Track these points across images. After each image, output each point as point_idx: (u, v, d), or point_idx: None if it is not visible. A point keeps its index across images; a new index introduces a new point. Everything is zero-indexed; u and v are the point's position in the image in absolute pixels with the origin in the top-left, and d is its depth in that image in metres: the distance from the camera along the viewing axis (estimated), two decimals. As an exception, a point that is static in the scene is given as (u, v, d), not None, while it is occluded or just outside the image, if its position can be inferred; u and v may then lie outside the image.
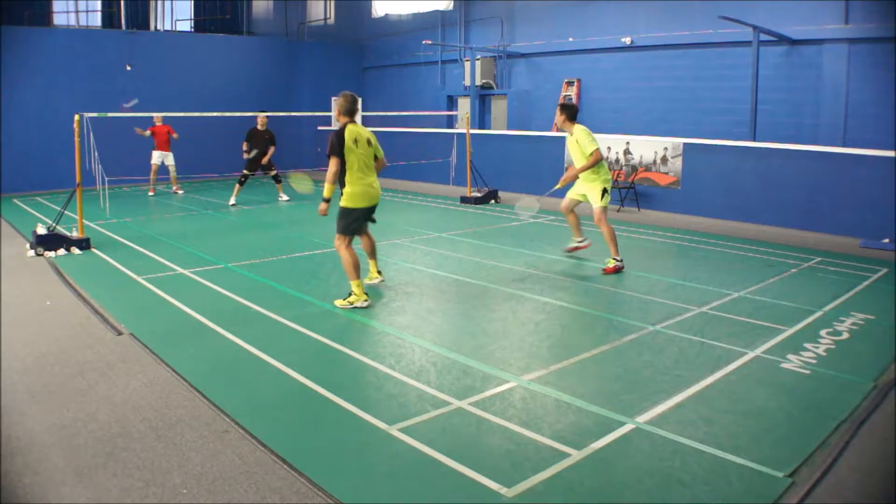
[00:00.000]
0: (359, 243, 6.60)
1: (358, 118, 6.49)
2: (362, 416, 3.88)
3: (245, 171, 12.88)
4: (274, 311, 5.91)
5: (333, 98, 20.37)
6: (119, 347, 5.08)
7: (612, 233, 7.51)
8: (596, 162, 7.44)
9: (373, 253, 6.73)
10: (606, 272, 7.40)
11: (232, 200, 12.88)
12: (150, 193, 14.39)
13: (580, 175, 7.65)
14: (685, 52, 13.60)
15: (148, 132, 13.98)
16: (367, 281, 6.58)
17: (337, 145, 5.87)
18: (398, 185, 16.28)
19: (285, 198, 13.51)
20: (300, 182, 6.34)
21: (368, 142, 6.10)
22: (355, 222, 6.13)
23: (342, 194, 6.10)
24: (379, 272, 6.82)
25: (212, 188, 15.40)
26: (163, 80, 17.24)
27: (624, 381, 4.43)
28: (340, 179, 6.04)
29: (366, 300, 6.07)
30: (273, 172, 13.24)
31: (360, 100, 6.13)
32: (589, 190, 7.70)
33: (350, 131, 5.96)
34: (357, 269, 6.03)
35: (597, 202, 7.60)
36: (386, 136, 17.91)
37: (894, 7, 10.61)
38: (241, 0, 22.88)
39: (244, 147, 12.79)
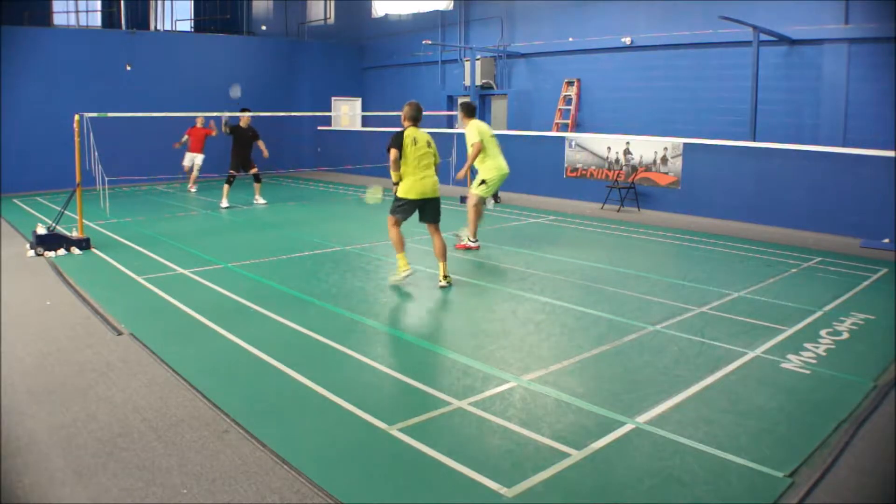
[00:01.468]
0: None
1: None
2: (362, 416, 3.88)
3: (231, 172, 12.70)
4: (274, 311, 5.91)
5: (334, 98, 20.40)
6: (119, 347, 5.07)
7: (475, 216, 8.50)
8: (475, 153, 8.29)
9: (441, 255, 6.91)
10: (458, 247, 8.52)
11: (224, 203, 12.62)
12: (192, 190, 14.81)
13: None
14: (685, 52, 13.60)
15: (185, 137, 14.23)
16: (439, 285, 6.85)
17: (396, 141, 6.65)
18: (398, 185, 16.25)
19: (262, 201, 13.06)
20: (373, 194, 7.09)
21: (428, 143, 6.81)
22: (402, 208, 6.77)
23: (400, 186, 6.79)
24: (446, 276, 6.87)
25: (212, 188, 15.38)
26: (163, 80, 17.24)
27: (624, 381, 4.43)
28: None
29: (408, 270, 6.77)
30: (254, 171, 12.84)
31: (422, 109, 6.98)
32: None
33: (409, 132, 6.72)
34: (400, 245, 6.80)
35: (471, 188, 8.58)
36: (386, 136, 17.92)
37: (894, 7, 10.61)
38: (241, 0, 22.88)
39: (224, 122, 12.68)
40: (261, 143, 12.85)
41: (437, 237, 6.91)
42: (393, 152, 6.58)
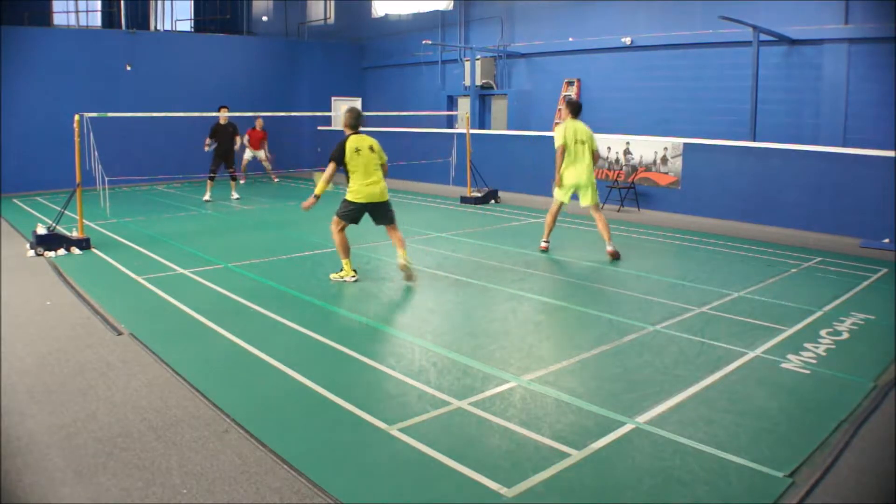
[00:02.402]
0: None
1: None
2: (362, 416, 3.88)
3: (213, 169, 13.35)
4: (274, 311, 5.91)
5: (334, 98, 20.45)
6: (119, 347, 5.08)
7: (549, 218, 8.41)
8: (559, 159, 8.00)
9: (400, 245, 6.94)
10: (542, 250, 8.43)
11: (206, 196, 13.39)
12: (241, 181, 15.80)
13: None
14: (685, 52, 13.59)
15: (246, 138, 15.78)
16: (399, 261, 6.91)
17: (337, 153, 6.76)
18: (398, 185, 16.26)
19: (236, 196, 13.73)
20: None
21: (371, 148, 6.82)
22: (351, 213, 6.89)
23: (348, 190, 6.89)
24: (405, 259, 6.90)
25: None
26: (163, 80, 17.23)
27: (624, 381, 4.43)
28: (347, 179, 6.87)
29: (353, 276, 6.99)
30: (231, 171, 13.59)
31: (363, 115, 7.02)
32: None
33: (351, 141, 6.77)
34: (345, 250, 6.95)
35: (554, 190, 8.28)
36: (386, 136, 17.88)
37: (894, 7, 10.61)
38: (241, 0, 22.87)
39: (207, 142, 13.28)
40: (237, 141, 13.53)
41: (393, 234, 6.99)
42: (330, 166, 6.73)
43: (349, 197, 6.82)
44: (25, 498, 3.07)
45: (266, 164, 16.79)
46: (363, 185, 6.75)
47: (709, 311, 6.00)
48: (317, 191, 6.76)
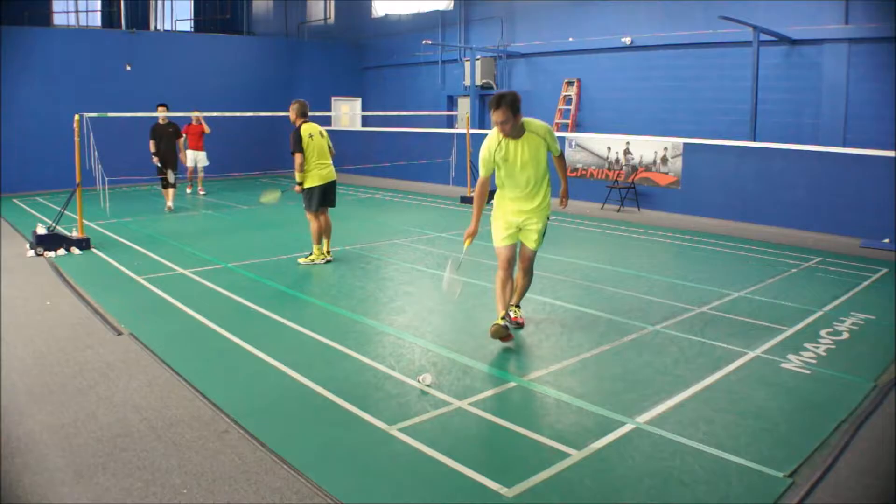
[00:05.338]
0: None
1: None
2: (362, 416, 3.88)
3: (162, 176, 12.21)
4: (274, 311, 5.91)
5: (334, 98, 20.44)
6: (119, 347, 5.08)
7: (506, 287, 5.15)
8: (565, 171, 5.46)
9: (328, 234, 7.85)
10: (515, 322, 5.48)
11: (169, 204, 12.16)
12: (202, 193, 14.47)
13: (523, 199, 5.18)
14: (685, 52, 13.60)
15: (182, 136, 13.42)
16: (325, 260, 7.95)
17: (296, 141, 7.46)
18: (398, 185, 16.26)
19: (170, 205, 12.15)
20: (269, 195, 8.34)
21: (321, 134, 7.66)
22: (314, 199, 7.63)
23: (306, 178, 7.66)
24: (328, 252, 7.88)
25: (212, 188, 15.39)
26: (163, 80, 17.24)
27: (624, 381, 4.43)
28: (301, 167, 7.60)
29: (323, 258, 7.72)
30: (168, 170, 12.16)
31: (308, 104, 7.84)
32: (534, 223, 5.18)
33: (305, 128, 7.50)
34: (319, 236, 7.70)
35: (536, 240, 5.19)
36: (386, 136, 17.97)
37: (894, 7, 10.61)
38: (241, 0, 22.87)
39: (152, 148, 11.95)
40: (180, 142, 12.41)
41: (326, 218, 7.85)
42: (298, 156, 7.50)
43: (308, 184, 7.57)
44: (25, 498, 3.07)
45: (200, 173, 14.42)
46: (319, 168, 7.55)
47: (709, 311, 6.00)
48: (299, 179, 7.56)
